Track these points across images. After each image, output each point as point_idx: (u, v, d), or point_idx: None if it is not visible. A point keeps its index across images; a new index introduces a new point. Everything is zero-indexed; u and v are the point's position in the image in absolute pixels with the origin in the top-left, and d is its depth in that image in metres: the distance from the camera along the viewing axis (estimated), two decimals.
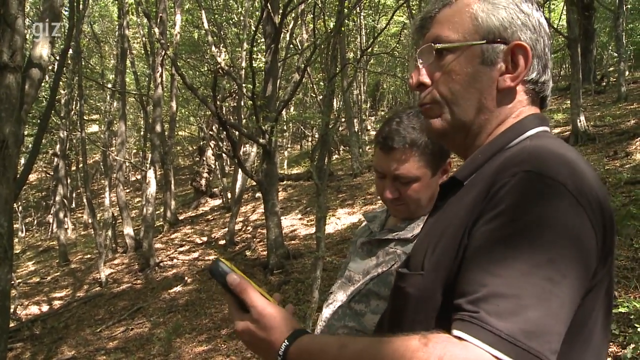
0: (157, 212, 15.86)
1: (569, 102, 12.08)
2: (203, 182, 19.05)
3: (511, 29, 1.04)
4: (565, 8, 13.01)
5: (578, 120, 10.17)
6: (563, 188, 0.86)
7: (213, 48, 11.74)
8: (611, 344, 3.98)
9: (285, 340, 1.03)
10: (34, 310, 12.02)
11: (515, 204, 0.87)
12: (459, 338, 0.82)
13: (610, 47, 19.58)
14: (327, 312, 1.77)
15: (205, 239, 14.38)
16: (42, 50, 4.85)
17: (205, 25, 11.69)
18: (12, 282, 5.23)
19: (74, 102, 18.16)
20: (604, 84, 17.23)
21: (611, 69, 19.32)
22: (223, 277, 1.11)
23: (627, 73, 16.54)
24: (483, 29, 1.05)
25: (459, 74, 1.06)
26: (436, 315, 0.96)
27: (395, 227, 1.74)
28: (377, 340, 0.90)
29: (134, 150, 27.91)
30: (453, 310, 0.87)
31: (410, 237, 1.65)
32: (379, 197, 1.82)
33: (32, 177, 28.37)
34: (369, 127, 23.46)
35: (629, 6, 18.87)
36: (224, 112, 14.09)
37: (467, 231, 0.93)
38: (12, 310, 8.93)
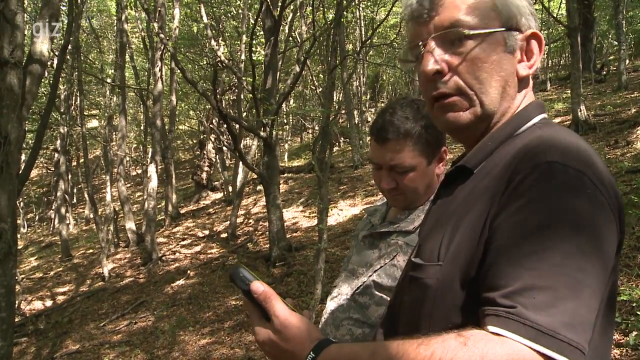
0: (158, 206, 15.88)
1: (569, 91, 12.08)
2: (204, 175, 19.06)
3: (525, 17, 1.05)
4: None
5: (578, 110, 10.16)
6: (586, 178, 0.87)
7: (212, 42, 11.70)
8: (613, 331, 4.00)
9: (311, 352, 1.00)
10: (37, 305, 12.06)
11: (542, 195, 0.87)
12: (497, 334, 0.82)
13: (610, 36, 19.54)
14: (331, 305, 1.79)
15: (207, 232, 14.40)
16: (42, 46, 4.85)
17: (204, 18, 11.67)
18: (16, 278, 5.25)
19: (74, 98, 18.16)
20: (604, 72, 17.22)
21: (611, 57, 19.29)
22: (246, 285, 1.09)
23: (627, 61, 16.50)
24: (504, 16, 1.03)
25: (485, 61, 1.02)
26: (456, 307, 0.95)
27: (395, 218, 1.76)
28: (409, 343, 0.88)
29: (135, 145, 27.92)
30: (483, 304, 0.87)
31: (411, 229, 1.67)
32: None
33: (33, 173, 28.37)
34: (369, 119, 23.44)
35: None
36: (223, 105, 14.06)
37: (487, 221, 0.92)
38: (16, 305, 8.97)
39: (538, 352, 0.79)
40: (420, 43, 1.06)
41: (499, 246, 0.89)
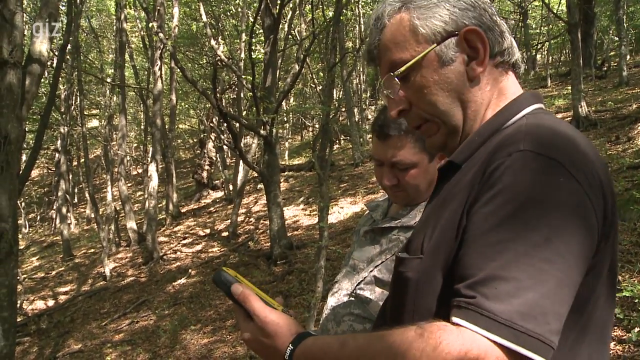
0: (159, 206, 15.89)
1: (569, 87, 12.06)
2: (204, 174, 19.06)
3: (453, 19, 1.03)
4: None
5: (579, 106, 10.15)
6: (559, 166, 0.85)
7: (212, 40, 11.70)
8: (616, 327, 4.00)
9: (290, 345, 1.05)
10: (39, 305, 12.08)
11: (511, 184, 0.86)
12: (457, 325, 0.82)
13: (611, 31, 19.49)
14: (332, 300, 1.78)
15: (208, 231, 14.41)
16: (42, 45, 4.84)
17: (204, 17, 11.66)
18: (18, 278, 5.25)
19: (74, 97, 18.16)
20: (605, 68, 17.18)
21: (612, 53, 19.23)
22: (227, 287, 1.14)
23: (628, 57, 16.48)
24: (428, 35, 1.04)
25: (428, 85, 1.05)
26: (437, 299, 0.95)
27: (397, 214, 1.75)
28: (376, 335, 0.91)
29: (135, 144, 27.92)
30: (453, 295, 0.87)
31: (412, 225, 1.66)
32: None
33: (34, 173, 28.40)
34: (369, 117, 23.41)
35: None
36: (223, 104, 14.07)
37: (464, 213, 0.92)
38: (18, 305, 8.98)
39: (495, 342, 0.79)
40: (382, 86, 1.13)
41: (469, 237, 0.89)
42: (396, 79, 1.08)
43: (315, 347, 1.02)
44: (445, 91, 1.05)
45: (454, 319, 0.83)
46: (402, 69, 1.06)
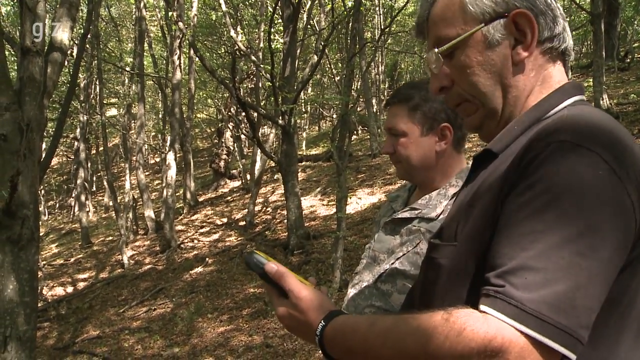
0: (177, 194, 15.99)
1: (591, 80, 11.88)
2: (222, 163, 19.12)
3: (504, 0, 1.01)
4: None
5: (601, 99, 9.99)
6: (598, 158, 0.83)
7: (231, 30, 11.68)
8: None
9: (322, 321, 1.08)
10: (59, 291, 12.25)
11: (547, 174, 0.85)
12: (484, 312, 0.82)
13: (635, 22, 19.13)
14: (352, 292, 1.78)
15: (225, 220, 14.47)
16: (63, 34, 4.87)
17: (223, 6, 11.63)
18: (38, 264, 5.32)
19: (93, 86, 18.30)
20: (628, 60, 16.86)
21: (636, 44, 18.90)
22: (261, 268, 1.17)
23: None
24: (477, 14, 1.02)
25: (471, 66, 1.04)
26: (468, 287, 0.95)
27: (416, 204, 1.74)
28: (404, 317, 0.93)
29: (153, 133, 28.09)
30: (483, 283, 0.87)
31: (433, 217, 1.65)
32: (397, 177, 1.89)
33: (54, 161, 28.64)
34: None
35: None
36: (242, 93, 14.08)
37: (499, 202, 0.91)
38: (38, 290, 9.11)
39: (521, 331, 0.78)
40: (426, 59, 1.13)
41: (502, 226, 0.88)
42: (440, 55, 1.08)
43: (345, 325, 1.04)
44: (488, 73, 1.04)
45: (482, 307, 0.83)
46: (447, 46, 1.06)
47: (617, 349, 0.89)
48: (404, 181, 1.91)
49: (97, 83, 17.03)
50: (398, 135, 1.72)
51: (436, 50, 1.07)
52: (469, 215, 0.98)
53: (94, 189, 26.62)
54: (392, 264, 1.66)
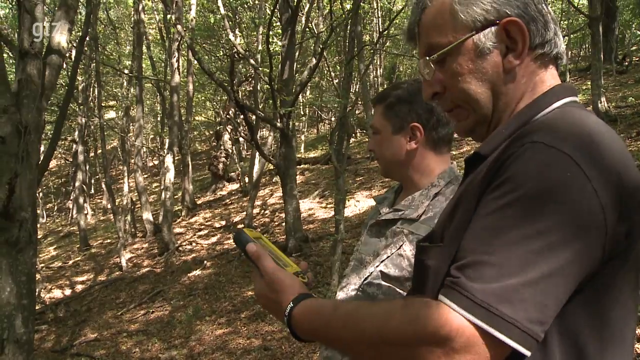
0: (175, 197, 15.97)
1: (589, 83, 11.90)
2: (220, 166, 19.10)
3: (495, 8, 1.01)
4: None
5: (599, 102, 10.01)
6: (569, 159, 0.84)
7: (230, 33, 11.69)
8: None
9: (291, 302, 1.15)
10: (57, 293, 12.22)
11: (516, 174, 0.87)
12: (440, 302, 0.85)
13: (633, 26, 19.17)
14: (341, 295, 1.80)
15: (223, 223, 14.46)
16: (61, 37, 4.86)
17: (222, 10, 11.64)
18: (36, 266, 5.31)
19: (92, 89, 18.28)
20: (626, 63, 16.92)
21: (634, 47, 18.94)
22: (243, 246, 1.25)
23: None
24: (468, 22, 1.02)
25: (463, 74, 1.04)
26: None
27: (399, 205, 1.76)
28: (366, 303, 1.01)
29: (151, 136, 28.07)
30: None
31: (415, 217, 1.67)
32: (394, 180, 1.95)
33: (52, 163, 28.67)
34: None
35: None
36: (240, 96, 14.07)
37: (478, 201, 0.93)
38: (36, 293, 9.10)
39: (470, 321, 0.81)
40: (418, 66, 1.16)
41: (471, 222, 0.92)
42: (432, 62, 1.09)
43: (312, 307, 1.12)
44: (479, 81, 1.04)
45: (440, 297, 0.87)
46: (438, 54, 1.07)
47: (605, 353, 0.91)
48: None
49: (96, 86, 17.02)
50: (375, 133, 1.82)
51: (427, 58, 1.09)
52: (454, 216, 1.00)
53: (92, 191, 26.59)
54: (377, 266, 1.67)
